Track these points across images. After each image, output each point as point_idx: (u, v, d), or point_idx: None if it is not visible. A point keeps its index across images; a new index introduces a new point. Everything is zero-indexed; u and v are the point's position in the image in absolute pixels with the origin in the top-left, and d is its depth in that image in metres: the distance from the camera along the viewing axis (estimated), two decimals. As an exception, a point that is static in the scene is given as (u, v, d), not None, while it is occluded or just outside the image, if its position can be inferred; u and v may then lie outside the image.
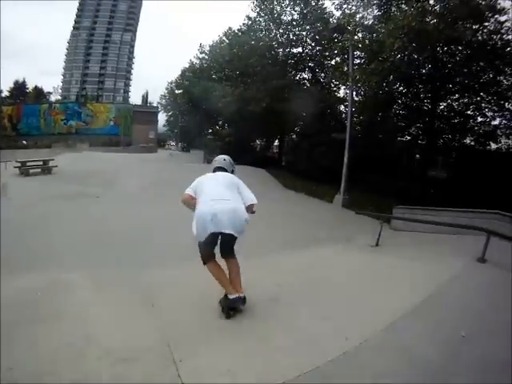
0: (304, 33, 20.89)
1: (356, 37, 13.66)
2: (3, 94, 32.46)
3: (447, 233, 6.28)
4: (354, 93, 14.47)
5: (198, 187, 3.10)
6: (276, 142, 26.40)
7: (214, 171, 3.39)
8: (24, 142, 29.15)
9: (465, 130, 14.29)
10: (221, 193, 2.95)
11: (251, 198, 3.11)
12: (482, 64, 12.07)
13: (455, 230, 6.03)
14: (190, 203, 3.03)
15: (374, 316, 2.92)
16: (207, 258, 2.98)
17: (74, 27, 66.75)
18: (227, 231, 2.78)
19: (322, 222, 9.01)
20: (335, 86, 20.22)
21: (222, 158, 3.53)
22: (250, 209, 3.06)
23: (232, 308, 2.85)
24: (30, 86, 40.39)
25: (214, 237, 2.86)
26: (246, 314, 2.90)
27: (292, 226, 7.98)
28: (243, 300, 2.89)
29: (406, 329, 2.76)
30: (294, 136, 23.01)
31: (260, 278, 3.81)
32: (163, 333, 2.60)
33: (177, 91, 33.56)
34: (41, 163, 14.55)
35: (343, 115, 18.86)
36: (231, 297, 2.83)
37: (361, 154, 13.95)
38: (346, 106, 18.07)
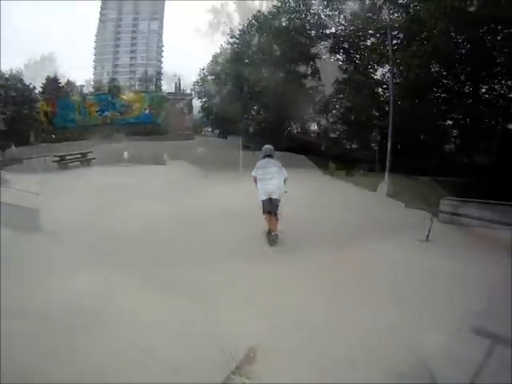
0: (336, 13, 20.18)
1: (392, 17, 13.13)
2: (36, 91, 33.39)
3: (497, 228, 6.20)
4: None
5: (259, 171, 5.88)
6: (314, 127, 25.77)
7: (264, 157, 6.10)
8: (53, 135, 29.91)
9: (508, 114, 13.48)
10: (274, 176, 5.77)
11: (284, 173, 5.97)
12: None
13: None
14: (256, 181, 5.86)
15: (433, 325, 3.11)
16: (265, 211, 5.74)
17: (99, 20, 67.33)
18: (276, 197, 5.69)
19: (368, 213, 8.45)
20: (371, 67, 19.45)
21: (268, 148, 6.18)
22: (285, 181, 5.89)
23: (273, 239, 5.59)
24: (62, 80, 41.58)
25: (269, 200, 5.63)
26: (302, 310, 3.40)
27: (337, 218, 7.63)
28: (278, 236, 5.64)
29: (465, 341, 2.77)
30: (332, 120, 22.31)
31: (315, 276, 4.06)
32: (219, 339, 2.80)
33: (209, 77, 33.58)
34: (79, 156, 14.78)
35: (381, 98, 18.13)
36: (273, 233, 5.63)
37: (402, 139, 13.49)
38: (384, 89, 17.47)
